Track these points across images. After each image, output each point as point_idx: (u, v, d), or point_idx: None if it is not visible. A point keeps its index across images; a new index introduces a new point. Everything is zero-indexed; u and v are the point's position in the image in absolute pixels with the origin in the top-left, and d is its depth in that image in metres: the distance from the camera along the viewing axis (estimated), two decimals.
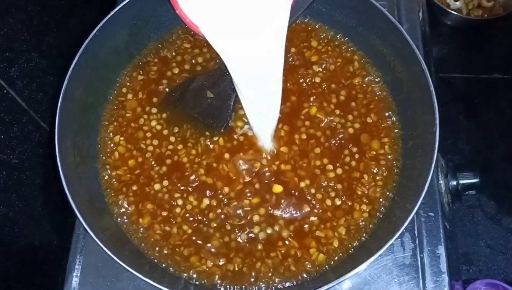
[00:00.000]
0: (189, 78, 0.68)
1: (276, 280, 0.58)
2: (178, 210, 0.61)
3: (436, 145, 0.54)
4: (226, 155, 0.64)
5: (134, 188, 0.62)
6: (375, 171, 0.63)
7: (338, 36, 0.71)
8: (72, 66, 0.59)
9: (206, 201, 0.62)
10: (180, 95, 0.68)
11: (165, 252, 0.60)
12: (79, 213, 0.53)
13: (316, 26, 0.72)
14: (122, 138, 0.65)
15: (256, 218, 0.61)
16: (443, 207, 0.66)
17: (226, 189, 0.62)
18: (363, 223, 0.61)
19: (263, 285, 0.58)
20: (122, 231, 0.60)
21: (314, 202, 0.61)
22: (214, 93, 0.66)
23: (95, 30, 0.60)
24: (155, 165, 0.64)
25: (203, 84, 0.67)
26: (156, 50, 0.71)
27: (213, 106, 0.66)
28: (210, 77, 0.67)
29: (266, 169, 0.63)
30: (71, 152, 0.59)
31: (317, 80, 0.68)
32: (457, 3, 1.14)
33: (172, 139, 0.65)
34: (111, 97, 0.68)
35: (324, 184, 0.62)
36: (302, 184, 0.62)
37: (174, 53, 0.71)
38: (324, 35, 0.71)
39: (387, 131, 0.65)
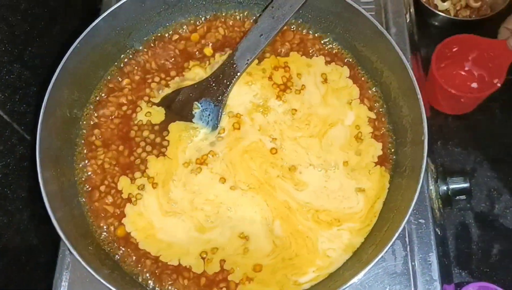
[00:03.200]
0: (174, 91, 0.67)
1: None
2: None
3: (425, 155, 0.53)
4: None
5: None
6: None
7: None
8: (53, 79, 0.57)
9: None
10: (166, 107, 0.67)
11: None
12: (63, 234, 0.52)
13: (303, 32, 0.71)
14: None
15: None
16: (434, 213, 0.66)
17: None
18: None
19: None
20: (104, 249, 0.59)
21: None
22: (202, 105, 0.66)
23: (76, 42, 0.59)
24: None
25: (189, 96, 0.66)
26: (138, 60, 0.69)
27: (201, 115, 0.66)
28: (196, 89, 0.67)
29: None
30: (52, 166, 0.58)
31: None
32: (445, 4, 1.13)
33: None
34: (93, 108, 0.67)
35: None
36: None
37: (156, 63, 0.70)
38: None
39: None
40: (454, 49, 1.06)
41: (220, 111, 0.65)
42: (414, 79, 0.57)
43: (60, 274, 0.61)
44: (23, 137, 0.70)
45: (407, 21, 0.78)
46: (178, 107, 0.67)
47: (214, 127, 0.65)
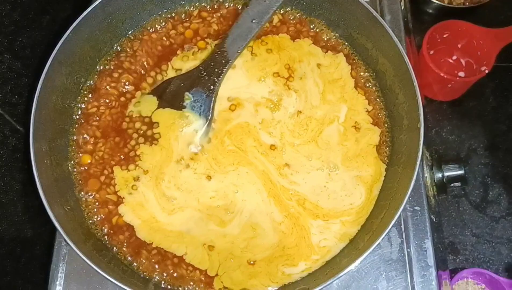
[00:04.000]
0: (165, 80, 0.67)
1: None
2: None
3: (421, 142, 0.53)
4: None
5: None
6: None
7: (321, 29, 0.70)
8: (45, 70, 0.57)
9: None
10: (158, 97, 0.66)
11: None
12: (59, 226, 0.51)
13: (297, 19, 0.70)
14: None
15: None
16: (429, 200, 0.66)
17: None
18: None
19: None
20: (101, 239, 0.59)
21: None
22: (193, 95, 0.64)
23: (68, 31, 0.58)
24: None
25: (180, 86, 0.65)
26: (133, 49, 0.69)
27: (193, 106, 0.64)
28: (187, 79, 0.65)
29: None
30: (47, 158, 0.57)
31: None
32: None
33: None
34: (86, 99, 0.66)
35: None
36: None
37: (151, 51, 0.69)
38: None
39: None
40: (445, 35, 1.07)
41: (212, 101, 0.64)
42: (410, 66, 0.57)
43: (56, 265, 0.61)
44: (15, 129, 0.69)
45: (402, 8, 0.78)
46: (169, 98, 0.65)
47: (207, 118, 0.64)
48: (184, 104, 0.64)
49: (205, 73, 0.64)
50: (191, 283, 0.58)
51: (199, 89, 0.64)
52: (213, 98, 0.63)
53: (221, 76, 0.63)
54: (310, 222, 0.60)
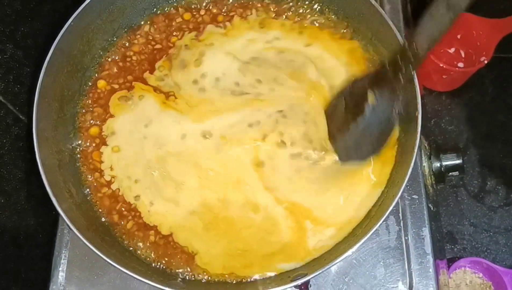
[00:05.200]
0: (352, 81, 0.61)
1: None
2: None
3: (419, 130, 0.54)
4: None
5: None
6: None
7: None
8: (47, 59, 0.57)
9: None
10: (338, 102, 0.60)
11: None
12: (62, 211, 0.52)
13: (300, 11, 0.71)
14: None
15: None
16: (427, 189, 0.67)
17: None
18: None
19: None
20: (103, 225, 0.60)
21: None
22: (377, 98, 0.55)
23: (70, 20, 0.59)
24: None
25: (365, 87, 0.57)
26: (135, 38, 0.69)
27: (373, 116, 0.56)
28: (373, 78, 0.57)
29: None
30: (51, 147, 0.58)
31: None
32: None
33: None
34: (87, 87, 0.67)
35: None
36: None
37: (154, 40, 0.69)
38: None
39: None
40: None
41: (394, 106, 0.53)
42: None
43: (59, 252, 0.62)
44: (17, 118, 0.69)
45: None
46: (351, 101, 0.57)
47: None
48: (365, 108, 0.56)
49: (391, 71, 0.55)
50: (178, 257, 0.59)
51: (384, 90, 0.55)
52: (396, 106, 0.54)
53: (408, 76, 0.54)
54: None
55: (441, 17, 0.50)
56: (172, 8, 0.70)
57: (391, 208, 0.52)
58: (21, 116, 0.70)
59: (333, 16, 0.68)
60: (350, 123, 0.57)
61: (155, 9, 0.69)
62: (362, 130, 0.57)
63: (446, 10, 0.50)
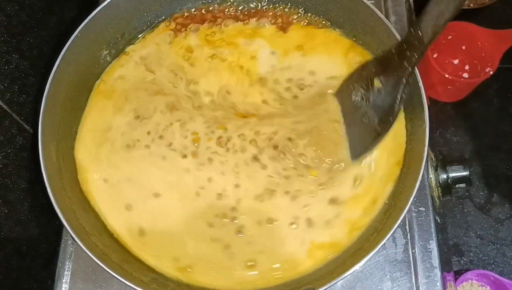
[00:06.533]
0: (360, 66, 0.62)
1: None
2: None
3: (427, 142, 0.54)
4: None
5: None
6: None
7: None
8: (53, 70, 0.57)
9: None
10: (348, 86, 0.60)
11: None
12: (66, 222, 0.52)
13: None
14: None
15: None
16: (434, 201, 0.66)
17: None
18: None
19: None
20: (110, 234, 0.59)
21: None
22: (382, 82, 0.56)
23: (76, 32, 0.59)
24: None
25: (372, 72, 0.58)
26: (139, 48, 0.69)
27: (378, 100, 0.56)
28: (380, 63, 0.58)
29: None
30: (54, 156, 0.58)
31: None
32: None
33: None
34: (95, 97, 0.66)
35: None
36: None
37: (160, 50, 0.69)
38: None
39: None
40: (449, 37, 1.07)
41: (399, 94, 0.53)
42: (416, 70, 0.57)
43: (62, 263, 0.61)
44: (22, 128, 0.69)
45: (406, 9, 0.78)
46: (359, 86, 0.58)
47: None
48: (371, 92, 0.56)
49: (396, 57, 0.55)
50: None
51: (389, 75, 0.55)
52: (400, 90, 0.54)
53: (411, 63, 0.54)
54: None
55: (446, 3, 0.50)
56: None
57: (399, 221, 0.51)
58: (26, 126, 0.70)
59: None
60: (358, 109, 0.58)
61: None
62: (368, 116, 0.57)
63: None
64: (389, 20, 0.64)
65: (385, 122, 0.56)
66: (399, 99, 0.54)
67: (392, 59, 0.55)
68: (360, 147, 0.60)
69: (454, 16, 0.52)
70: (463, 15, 1.10)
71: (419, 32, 0.52)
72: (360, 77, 0.59)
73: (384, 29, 0.60)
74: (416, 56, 0.53)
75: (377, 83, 0.56)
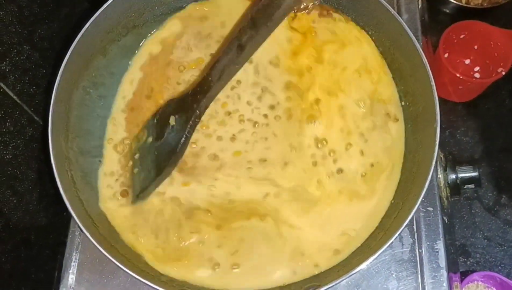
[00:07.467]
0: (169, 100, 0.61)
1: None
2: None
3: (437, 142, 0.53)
4: None
5: None
6: None
7: None
8: (64, 62, 0.57)
9: None
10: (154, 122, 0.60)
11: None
12: (75, 214, 0.52)
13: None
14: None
15: None
16: (442, 201, 0.65)
17: None
18: None
19: None
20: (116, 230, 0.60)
21: None
22: (176, 121, 0.56)
23: (87, 24, 0.59)
24: None
25: (171, 109, 0.58)
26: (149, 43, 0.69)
27: (170, 137, 0.56)
28: (177, 101, 0.58)
29: None
30: (65, 150, 0.58)
31: None
32: None
33: None
34: None
35: None
36: None
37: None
38: None
39: None
40: (461, 36, 1.06)
41: (183, 137, 0.54)
42: (427, 66, 0.56)
43: (70, 254, 0.62)
44: (32, 119, 0.70)
45: (419, 7, 0.77)
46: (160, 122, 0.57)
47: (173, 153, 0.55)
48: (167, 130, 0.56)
49: (190, 98, 0.55)
50: None
51: (181, 115, 0.55)
52: (184, 134, 0.54)
53: (199, 107, 0.54)
54: None
55: (233, 54, 0.51)
56: None
57: (407, 221, 0.51)
58: (36, 117, 0.70)
59: None
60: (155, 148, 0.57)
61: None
62: (161, 152, 0.56)
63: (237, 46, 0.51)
64: (401, 18, 0.64)
65: (167, 160, 0.55)
66: (184, 138, 0.54)
67: (187, 99, 0.55)
68: (140, 186, 0.58)
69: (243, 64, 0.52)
70: (476, 14, 1.09)
71: (209, 77, 0.53)
72: (163, 113, 0.59)
73: (397, 27, 0.60)
74: (204, 100, 0.53)
75: (172, 120, 0.56)
